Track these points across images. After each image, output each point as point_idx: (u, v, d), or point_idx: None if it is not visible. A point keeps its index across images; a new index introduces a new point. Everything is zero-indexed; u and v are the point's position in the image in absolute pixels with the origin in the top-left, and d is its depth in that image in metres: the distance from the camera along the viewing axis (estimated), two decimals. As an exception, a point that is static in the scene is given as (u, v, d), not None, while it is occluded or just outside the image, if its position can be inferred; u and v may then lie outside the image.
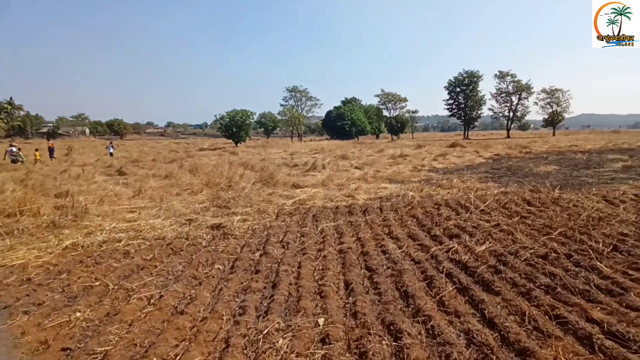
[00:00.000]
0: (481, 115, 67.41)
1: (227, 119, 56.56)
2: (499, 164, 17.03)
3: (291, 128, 72.44)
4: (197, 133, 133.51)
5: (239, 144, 54.26)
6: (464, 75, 64.03)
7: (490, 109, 66.00)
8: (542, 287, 4.01)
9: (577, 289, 3.89)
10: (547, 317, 3.38)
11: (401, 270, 4.59)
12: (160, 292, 4.18)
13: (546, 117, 64.33)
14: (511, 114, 64.20)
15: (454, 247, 5.27)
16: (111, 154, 28.01)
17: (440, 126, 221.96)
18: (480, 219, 6.77)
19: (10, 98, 76.91)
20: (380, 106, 77.24)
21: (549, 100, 62.66)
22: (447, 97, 66.75)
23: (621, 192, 8.41)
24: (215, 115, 57.48)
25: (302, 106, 76.19)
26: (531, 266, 4.59)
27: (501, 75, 62.62)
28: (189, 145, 52.37)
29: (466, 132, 67.84)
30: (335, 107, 74.22)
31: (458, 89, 64.78)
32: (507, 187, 10.10)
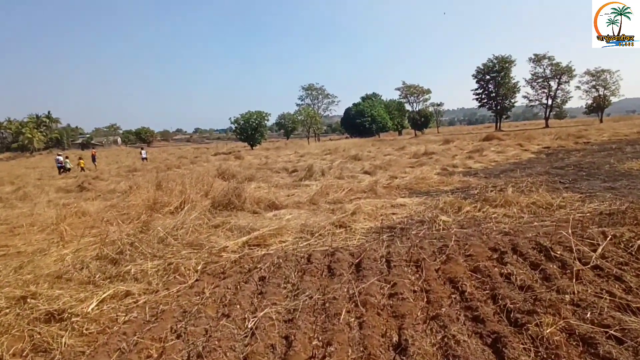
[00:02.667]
0: (515, 104, 61.31)
1: (242, 122, 54.46)
2: (559, 160, 12.84)
3: (308, 128, 69.08)
4: (221, 137, 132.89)
5: (254, 147, 52.02)
6: (494, 61, 58.19)
7: (525, 97, 59.83)
8: None
9: None
10: None
11: None
12: None
13: (590, 102, 57.51)
14: (550, 100, 57.78)
15: None
16: (144, 159, 29.34)
17: (467, 119, 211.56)
18: (610, 301, 2.99)
19: (49, 112, 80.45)
20: (402, 100, 72.41)
21: (594, 83, 55.81)
22: (476, 86, 61.18)
23: None
24: (230, 119, 55.19)
25: (319, 104, 72.60)
26: None
27: (537, 59, 56.27)
28: (207, 150, 50.44)
29: (498, 124, 61.90)
30: (354, 104, 70.34)
31: (488, 77, 59.00)
32: (605, 202, 6.14)
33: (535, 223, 5.53)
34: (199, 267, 4.25)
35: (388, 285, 3.69)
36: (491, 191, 7.73)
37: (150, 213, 7.14)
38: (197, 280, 4.00)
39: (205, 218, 5.95)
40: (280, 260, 4.34)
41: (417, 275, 3.89)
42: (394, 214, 6.59)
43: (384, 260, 4.31)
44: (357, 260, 4.29)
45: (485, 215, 6.16)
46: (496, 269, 3.92)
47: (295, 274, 4.07)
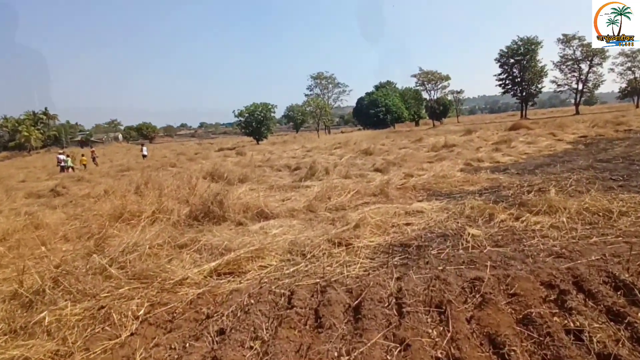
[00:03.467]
0: (542, 89, 57.91)
1: (247, 115, 51.22)
2: (602, 152, 11.21)
3: (317, 120, 66.87)
4: (227, 132, 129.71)
5: (260, 142, 49.89)
6: (519, 43, 54.86)
7: (553, 81, 56.30)
8: None
9: None
10: None
11: None
12: None
13: (624, 86, 53.65)
14: (580, 85, 54.15)
15: None
16: (144, 156, 28.56)
17: (489, 107, 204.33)
18: None
19: (45, 108, 74.98)
20: (419, 88, 69.60)
21: (629, 64, 51.93)
22: (499, 71, 58.05)
23: None
24: (234, 112, 52.02)
25: (329, 94, 70.48)
26: None
27: (566, 40, 52.66)
28: (211, 146, 48.30)
29: (524, 111, 58.68)
30: (367, 93, 67.78)
31: (512, 60, 55.73)
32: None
33: (595, 238, 4.22)
34: (141, 312, 3.17)
35: (398, 348, 2.53)
36: (528, 192, 6.44)
37: (107, 227, 5.97)
38: (132, 334, 2.92)
39: (166, 236, 4.80)
40: (252, 301, 3.22)
41: (441, 329, 2.71)
42: (408, 224, 5.36)
43: (394, 301, 3.12)
44: (355, 302, 3.12)
45: (525, 225, 4.87)
46: (557, 319, 2.70)
47: (268, 324, 2.93)
